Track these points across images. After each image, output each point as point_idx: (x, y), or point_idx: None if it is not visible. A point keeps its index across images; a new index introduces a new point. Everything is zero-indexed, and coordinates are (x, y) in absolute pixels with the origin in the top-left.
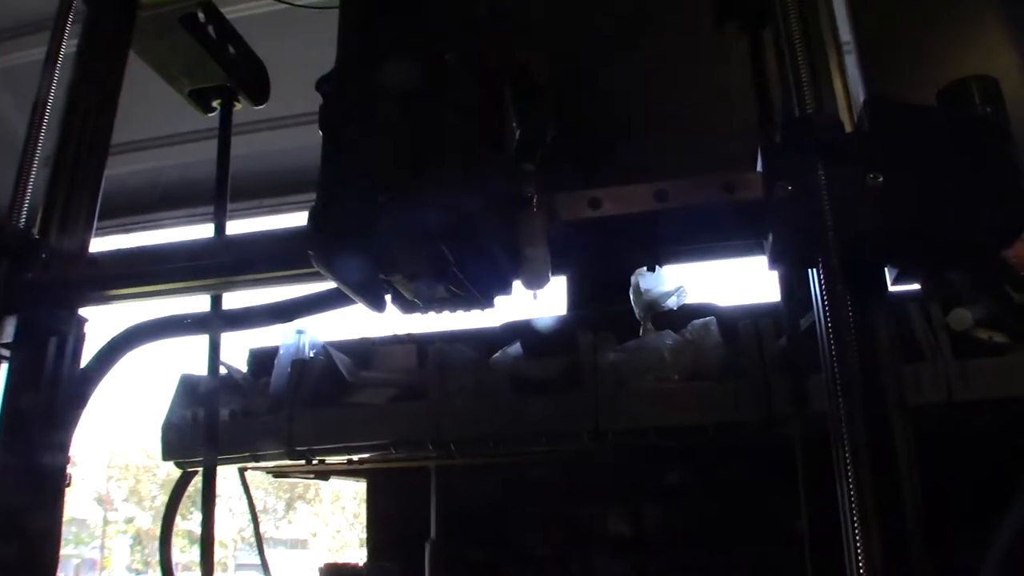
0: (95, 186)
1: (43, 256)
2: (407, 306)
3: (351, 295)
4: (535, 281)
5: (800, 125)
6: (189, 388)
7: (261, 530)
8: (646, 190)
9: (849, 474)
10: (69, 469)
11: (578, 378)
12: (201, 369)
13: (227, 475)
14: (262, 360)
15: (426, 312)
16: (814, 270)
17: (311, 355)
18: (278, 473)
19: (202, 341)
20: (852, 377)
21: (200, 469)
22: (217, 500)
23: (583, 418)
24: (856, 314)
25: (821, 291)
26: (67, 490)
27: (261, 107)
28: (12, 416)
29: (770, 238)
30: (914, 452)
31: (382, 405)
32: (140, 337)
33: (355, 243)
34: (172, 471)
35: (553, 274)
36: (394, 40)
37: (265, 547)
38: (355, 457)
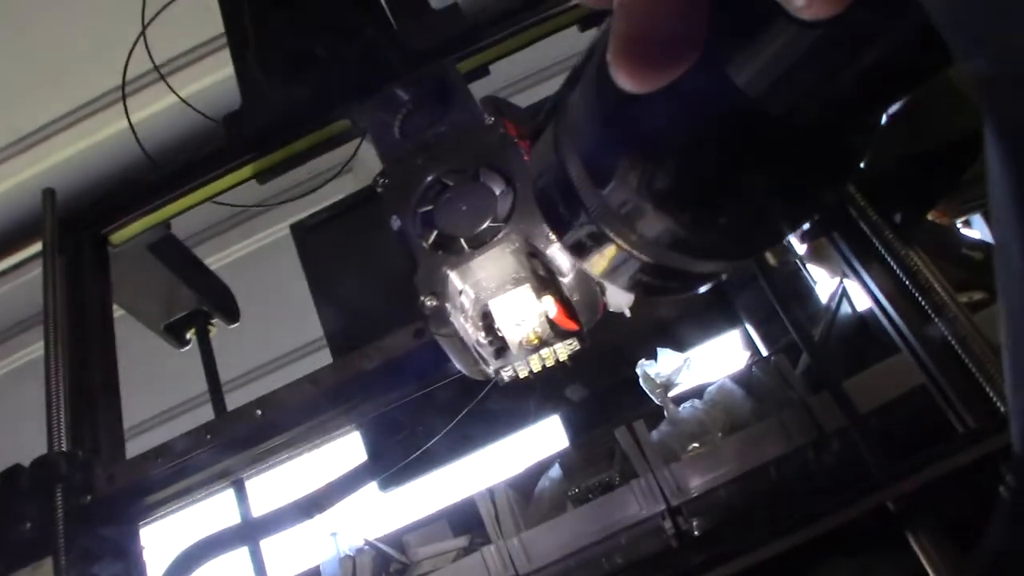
0: (116, 408)
1: (94, 476)
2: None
3: None
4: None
5: None
6: None
7: None
8: None
9: None
10: None
11: (631, 471)
12: None
13: None
14: None
15: None
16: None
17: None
18: None
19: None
20: None
21: None
22: None
23: (652, 501)
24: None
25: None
26: None
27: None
28: None
29: None
30: None
31: (452, 565)
32: (192, 559)
33: None
34: None
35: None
36: None
37: None
38: None
